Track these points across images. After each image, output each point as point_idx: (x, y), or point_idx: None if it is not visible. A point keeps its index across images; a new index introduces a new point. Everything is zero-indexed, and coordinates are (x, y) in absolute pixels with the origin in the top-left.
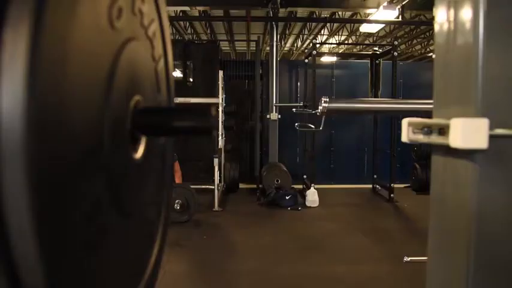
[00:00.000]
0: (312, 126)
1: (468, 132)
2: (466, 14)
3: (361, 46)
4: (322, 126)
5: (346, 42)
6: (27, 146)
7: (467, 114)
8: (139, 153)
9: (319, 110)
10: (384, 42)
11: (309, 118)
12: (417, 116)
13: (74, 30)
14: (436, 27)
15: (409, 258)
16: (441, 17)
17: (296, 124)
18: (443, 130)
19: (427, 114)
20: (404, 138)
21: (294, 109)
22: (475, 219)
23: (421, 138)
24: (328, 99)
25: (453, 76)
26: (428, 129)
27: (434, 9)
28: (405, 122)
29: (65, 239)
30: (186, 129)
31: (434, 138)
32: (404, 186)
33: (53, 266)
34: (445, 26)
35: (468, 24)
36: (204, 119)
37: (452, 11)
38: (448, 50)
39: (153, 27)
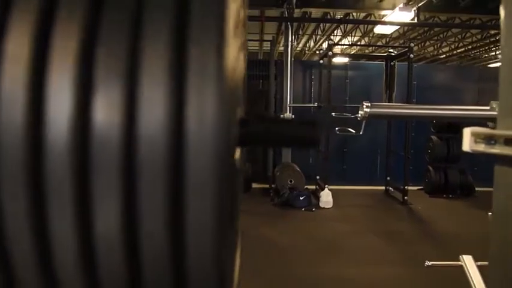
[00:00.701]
0: (352, 130)
1: None
2: None
3: (373, 47)
4: (362, 130)
5: (360, 43)
6: (218, 166)
7: None
8: (237, 162)
9: (359, 115)
10: (397, 44)
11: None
12: (468, 124)
13: (232, 41)
14: (503, 27)
15: (431, 263)
16: (510, 15)
17: (336, 128)
18: (510, 141)
19: (471, 121)
20: (465, 147)
21: (333, 113)
22: None
23: (482, 147)
24: (369, 104)
25: None
26: (491, 140)
27: (500, 7)
28: (467, 131)
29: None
30: (292, 140)
31: (502, 149)
32: (417, 189)
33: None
34: None
35: None
36: (312, 130)
37: None
38: None
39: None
